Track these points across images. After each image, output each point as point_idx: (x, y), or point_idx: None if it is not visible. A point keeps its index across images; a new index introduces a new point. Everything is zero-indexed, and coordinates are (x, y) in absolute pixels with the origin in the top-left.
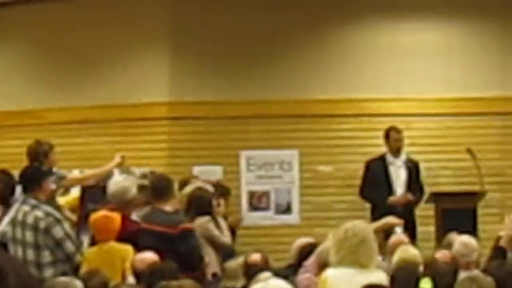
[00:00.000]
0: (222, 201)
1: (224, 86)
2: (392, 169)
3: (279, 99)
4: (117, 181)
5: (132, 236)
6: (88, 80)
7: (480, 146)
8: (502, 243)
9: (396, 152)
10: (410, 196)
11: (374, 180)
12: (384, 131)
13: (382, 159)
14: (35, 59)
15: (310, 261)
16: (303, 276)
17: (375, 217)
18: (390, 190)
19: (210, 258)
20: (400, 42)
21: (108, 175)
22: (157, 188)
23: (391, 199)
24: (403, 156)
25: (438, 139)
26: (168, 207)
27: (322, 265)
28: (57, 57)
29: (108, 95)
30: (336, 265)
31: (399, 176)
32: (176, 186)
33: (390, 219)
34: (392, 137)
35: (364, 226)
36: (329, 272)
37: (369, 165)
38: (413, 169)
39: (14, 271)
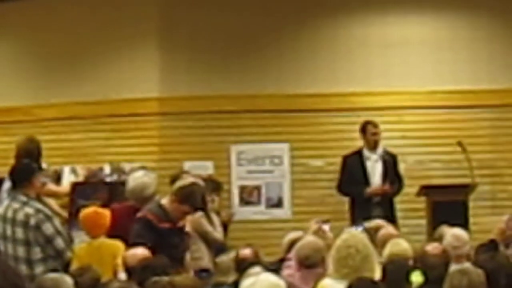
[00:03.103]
0: (216, 198)
1: (214, 81)
2: (368, 164)
3: (269, 93)
4: (137, 177)
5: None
6: (78, 76)
7: (470, 138)
8: (494, 235)
9: (372, 147)
10: (386, 187)
11: (351, 174)
12: (360, 125)
13: (358, 153)
14: (25, 55)
15: (291, 256)
16: (286, 272)
17: (353, 210)
18: (367, 184)
19: (202, 253)
20: (390, 36)
21: (95, 171)
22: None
23: (368, 190)
24: (379, 150)
25: (428, 132)
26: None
27: (302, 261)
28: (46, 54)
29: (98, 91)
30: (336, 279)
31: (375, 170)
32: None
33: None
34: (369, 131)
35: (364, 240)
36: (327, 282)
37: (345, 160)
38: (389, 161)
39: None
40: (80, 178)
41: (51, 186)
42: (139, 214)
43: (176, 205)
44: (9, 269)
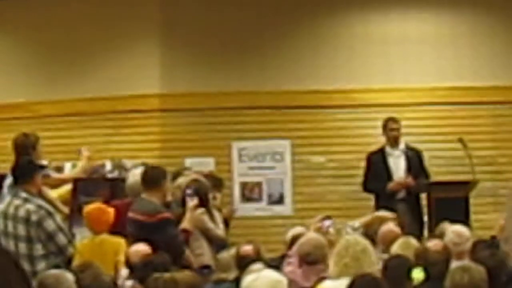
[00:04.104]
0: (218, 195)
1: (216, 77)
2: (391, 160)
3: (270, 90)
4: (137, 173)
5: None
6: (79, 73)
7: (471, 135)
8: (495, 232)
9: (393, 143)
10: (409, 180)
11: (375, 172)
12: (382, 121)
13: (381, 151)
14: (26, 52)
15: (293, 253)
16: (287, 269)
17: (379, 206)
18: (390, 180)
19: (204, 250)
20: (391, 33)
21: (97, 168)
22: (146, 178)
23: (390, 184)
24: (401, 146)
25: (429, 129)
26: (153, 198)
27: (303, 258)
28: (47, 50)
29: (100, 88)
30: (337, 275)
31: (398, 166)
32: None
33: (380, 213)
34: (389, 127)
35: (363, 239)
36: (327, 284)
37: (369, 158)
38: (413, 157)
39: None
40: (84, 161)
41: (57, 175)
42: (166, 215)
43: None
44: (5, 265)
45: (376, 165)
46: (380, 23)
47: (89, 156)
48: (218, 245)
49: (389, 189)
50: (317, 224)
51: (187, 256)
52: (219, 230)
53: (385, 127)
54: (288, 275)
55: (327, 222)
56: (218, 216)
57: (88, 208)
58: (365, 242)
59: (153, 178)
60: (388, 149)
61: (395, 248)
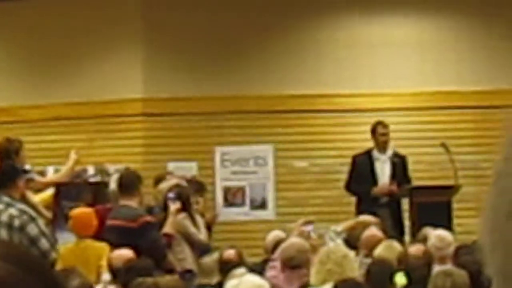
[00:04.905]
0: (200, 199)
1: (199, 82)
2: (377, 165)
3: (253, 94)
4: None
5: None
6: (62, 77)
7: (454, 140)
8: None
9: (382, 147)
10: (393, 187)
11: (360, 174)
12: (370, 125)
13: (368, 154)
14: (9, 57)
15: (276, 258)
16: (270, 273)
17: (360, 210)
18: (375, 184)
19: (186, 255)
20: (375, 37)
21: (79, 172)
22: (123, 184)
23: (375, 189)
24: (389, 151)
25: (412, 133)
26: (132, 203)
27: (286, 262)
28: (30, 55)
29: (83, 92)
30: (320, 282)
31: (384, 171)
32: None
33: (363, 217)
34: (379, 132)
35: (343, 247)
36: None
37: (355, 160)
38: (398, 163)
39: None
40: (71, 163)
41: (41, 179)
42: (148, 219)
43: None
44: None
45: (362, 167)
46: (364, 28)
47: (77, 160)
48: (200, 250)
49: (373, 193)
50: (300, 228)
51: (169, 260)
52: (201, 235)
53: (374, 131)
54: (270, 280)
55: (308, 227)
56: (200, 220)
57: (74, 213)
58: (346, 249)
59: (129, 183)
60: (375, 153)
61: (379, 251)
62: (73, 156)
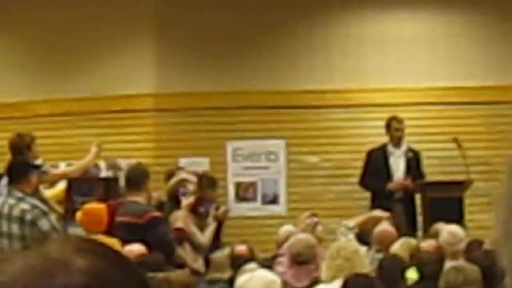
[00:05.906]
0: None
1: (210, 77)
2: (392, 160)
3: (265, 89)
4: None
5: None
6: (73, 73)
7: (466, 135)
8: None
9: (396, 142)
10: (407, 182)
11: (375, 169)
12: (385, 120)
13: (383, 149)
14: (20, 52)
15: (283, 253)
16: (278, 270)
17: (375, 205)
18: (389, 179)
19: (186, 253)
20: (385, 33)
21: (91, 168)
22: (130, 180)
23: (390, 184)
24: (403, 146)
25: (424, 129)
26: (139, 198)
27: (294, 258)
28: (41, 50)
29: (94, 87)
30: (330, 278)
31: (398, 166)
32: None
33: (375, 213)
34: (393, 127)
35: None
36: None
37: (370, 155)
38: (413, 159)
39: None
40: (90, 157)
41: (55, 171)
42: (155, 214)
43: None
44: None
45: (377, 162)
46: (375, 24)
47: (98, 153)
48: (200, 250)
49: (388, 188)
50: (307, 221)
51: (180, 254)
52: (204, 236)
53: (388, 126)
54: (280, 275)
55: (314, 219)
56: (210, 222)
57: (85, 208)
58: (356, 245)
59: (135, 179)
60: (390, 148)
61: (395, 248)
62: (94, 149)
